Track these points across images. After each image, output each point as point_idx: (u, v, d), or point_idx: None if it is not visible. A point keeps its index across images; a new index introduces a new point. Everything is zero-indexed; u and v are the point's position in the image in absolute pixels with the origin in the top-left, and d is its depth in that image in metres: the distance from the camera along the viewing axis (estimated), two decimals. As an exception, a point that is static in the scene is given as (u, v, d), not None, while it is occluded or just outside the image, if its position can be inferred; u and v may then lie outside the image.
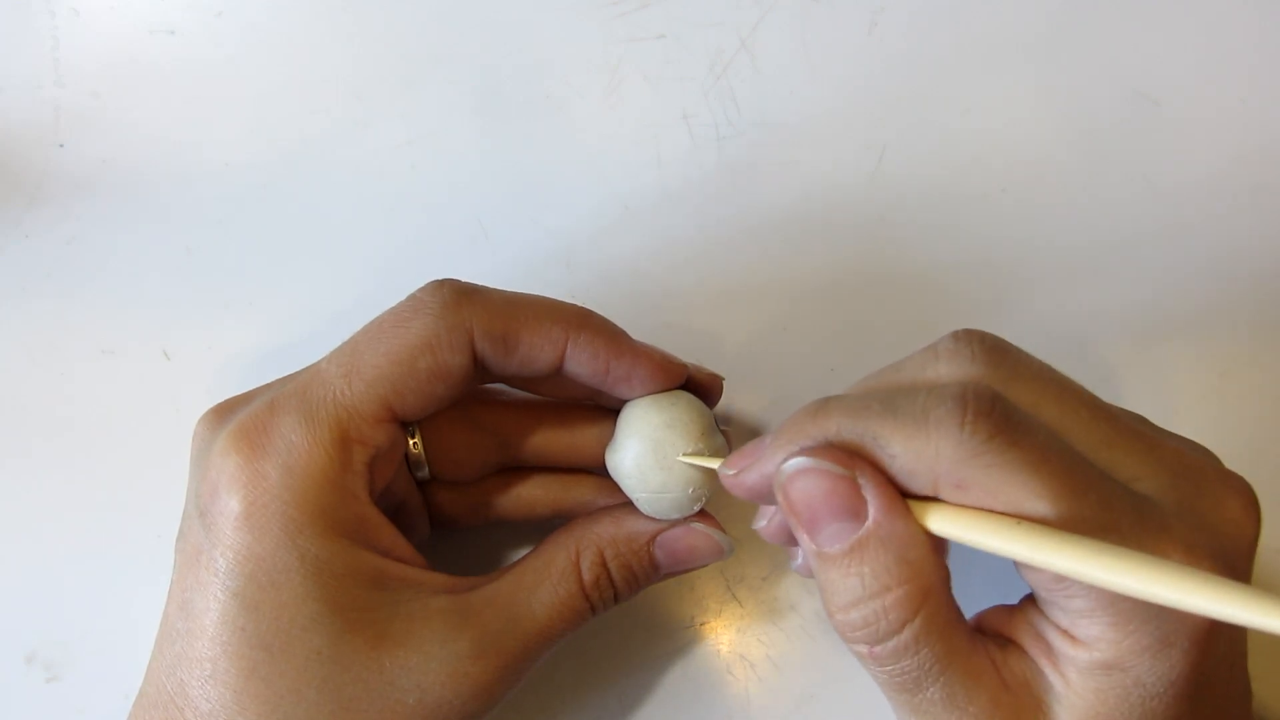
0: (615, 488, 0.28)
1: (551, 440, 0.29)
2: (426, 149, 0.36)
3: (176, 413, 0.34)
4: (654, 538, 0.28)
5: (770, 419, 0.34)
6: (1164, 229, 0.35)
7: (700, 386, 0.29)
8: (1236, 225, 0.35)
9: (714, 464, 0.26)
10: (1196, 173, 0.36)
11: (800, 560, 0.27)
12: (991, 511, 0.21)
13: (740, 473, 0.24)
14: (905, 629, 0.21)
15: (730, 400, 0.32)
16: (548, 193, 0.36)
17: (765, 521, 0.26)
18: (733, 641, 0.32)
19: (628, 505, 0.28)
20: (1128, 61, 0.37)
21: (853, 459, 0.22)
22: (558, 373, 0.27)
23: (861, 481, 0.21)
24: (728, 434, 0.28)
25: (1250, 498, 0.22)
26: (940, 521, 0.21)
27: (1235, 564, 0.21)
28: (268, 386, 0.27)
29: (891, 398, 0.22)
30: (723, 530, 0.28)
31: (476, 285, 0.26)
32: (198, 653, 0.23)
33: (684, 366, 0.28)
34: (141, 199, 0.36)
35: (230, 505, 0.24)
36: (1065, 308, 0.35)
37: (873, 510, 0.21)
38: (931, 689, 0.22)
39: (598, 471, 0.29)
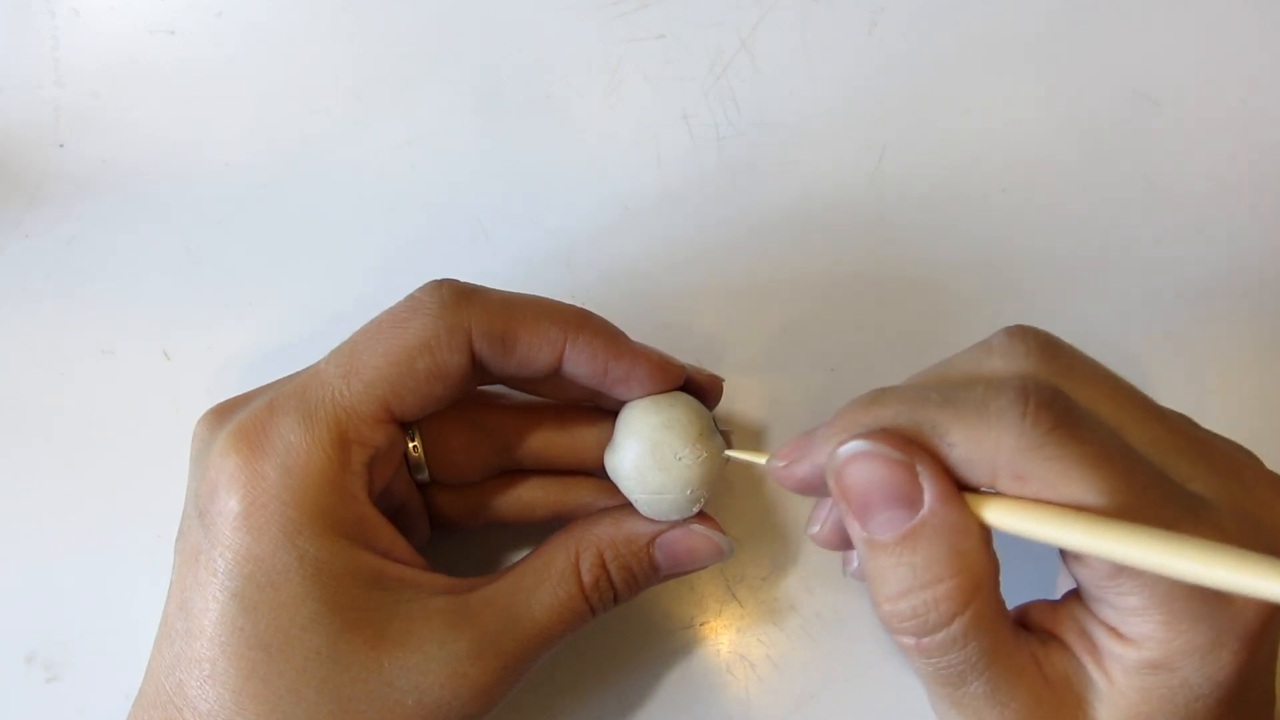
0: (614, 489, 0.28)
1: (551, 442, 0.29)
2: (426, 149, 0.36)
3: (176, 413, 0.34)
4: (653, 539, 0.27)
5: (770, 419, 0.34)
6: (1164, 229, 0.35)
7: (699, 387, 0.29)
8: (1236, 225, 0.35)
9: (760, 458, 0.26)
10: (1196, 173, 0.36)
11: (855, 565, 0.27)
12: (1051, 503, 0.20)
13: (791, 464, 0.24)
14: (955, 621, 0.21)
15: (730, 400, 0.32)
16: (548, 193, 0.36)
17: (818, 527, 0.26)
18: (733, 641, 0.32)
19: (627, 507, 0.28)
20: (1128, 61, 0.37)
21: (910, 446, 0.21)
22: (556, 373, 0.27)
23: (918, 469, 0.21)
24: (728, 435, 0.28)
25: None
26: (997, 513, 0.21)
27: None
28: (267, 387, 0.27)
29: (949, 389, 0.22)
30: (722, 531, 0.28)
31: (475, 285, 0.26)
32: (196, 653, 0.24)
33: (682, 368, 0.28)
34: (141, 199, 0.36)
35: (229, 505, 0.24)
36: (1065, 307, 0.35)
37: (928, 498, 0.21)
38: (975, 683, 0.22)
39: (597, 473, 0.29)
